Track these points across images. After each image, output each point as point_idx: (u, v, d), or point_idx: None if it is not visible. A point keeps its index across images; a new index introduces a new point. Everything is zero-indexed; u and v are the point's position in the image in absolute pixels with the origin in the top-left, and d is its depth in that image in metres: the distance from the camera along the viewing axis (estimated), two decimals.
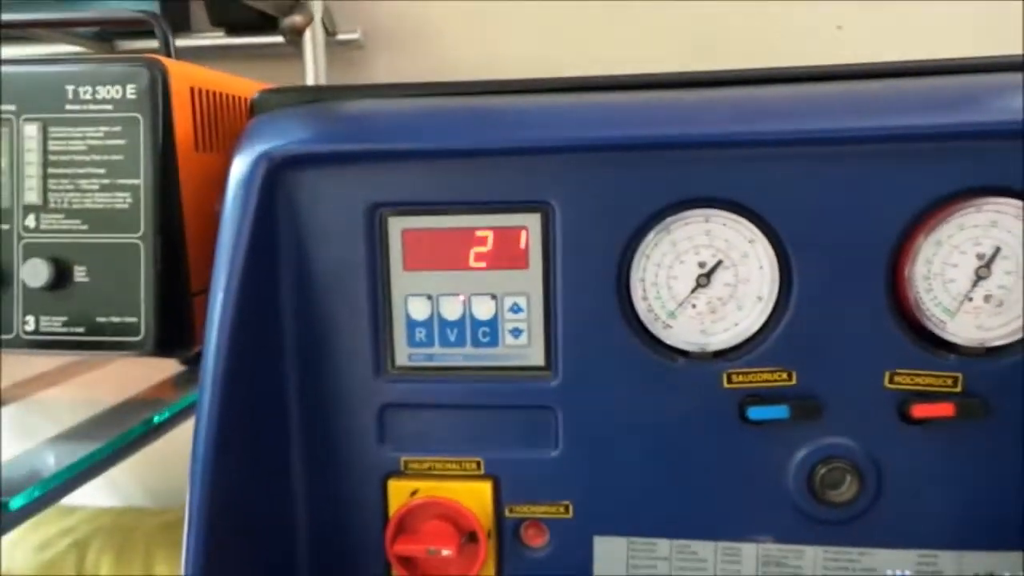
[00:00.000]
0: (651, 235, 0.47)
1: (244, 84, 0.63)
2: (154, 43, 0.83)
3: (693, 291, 0.47)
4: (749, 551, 0.50)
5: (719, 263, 0.47)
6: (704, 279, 0.47)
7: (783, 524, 0.49)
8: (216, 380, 0.45)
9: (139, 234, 0.50)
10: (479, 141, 0.47)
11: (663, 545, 0.50)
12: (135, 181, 0.50)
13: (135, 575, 0.89)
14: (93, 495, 1.08)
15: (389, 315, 0.50)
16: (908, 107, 0.44)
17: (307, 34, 0.81)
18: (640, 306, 0.48)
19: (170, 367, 0.63)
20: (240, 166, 0.48)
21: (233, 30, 0.85)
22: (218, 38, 0.85)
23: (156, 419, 0.48)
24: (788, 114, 0.45)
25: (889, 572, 0.48)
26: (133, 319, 0.50)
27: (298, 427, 0.52)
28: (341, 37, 0.84)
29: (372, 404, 0.51)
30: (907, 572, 0.48)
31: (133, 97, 0.49)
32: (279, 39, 0.83)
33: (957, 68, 0.45)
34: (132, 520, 0.96)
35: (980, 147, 0.43)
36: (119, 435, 0.45)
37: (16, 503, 0.38)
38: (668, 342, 0.48)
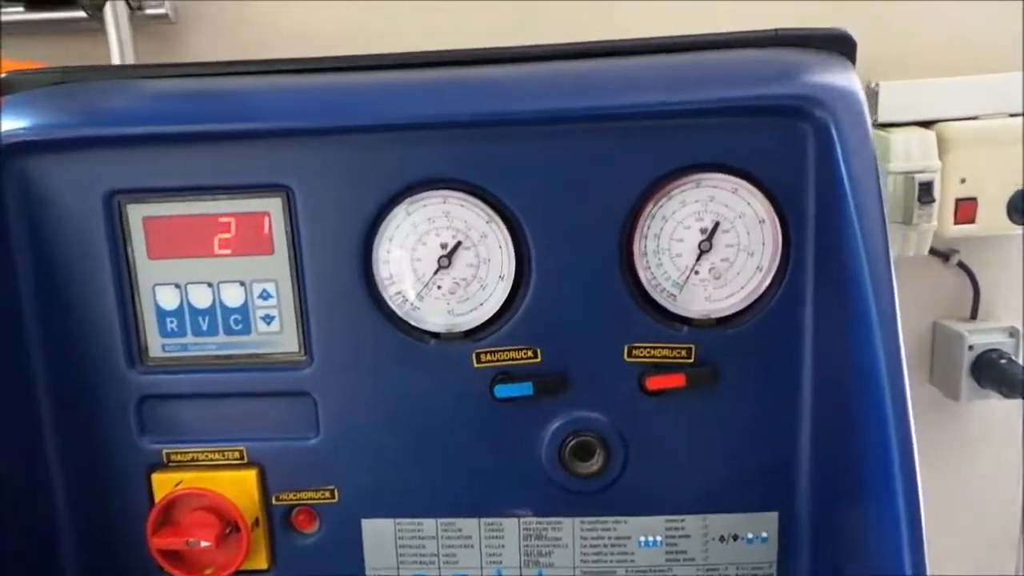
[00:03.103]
0: (391, 217, 0.46)
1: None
2: None
3: (436, 272, 0.47)
4: (511, 525, 0.51)
5: (459, 244, 0.47)
6: (445, 260, 0.47)
7: (540, 498, 0.50)
8: None
9: None
10: (212, 125, 0.46)
11: (429, 524, 0.51)
12: None
13: None
14: None
15: (138, 305, 0.49)
16: (629, 87, 0.44)
17: (108, 7, 0.77)
18: (387, 290, 0.47)
19: None
20: None
21: (33, 4, 0.80)
22: (16, 13, 0.80)
23: None
24: (515, 94, 0.45)
25: (642, 538, 0.50)
26: None
27: (52, 423, 0.50)
28: (148, 11, 0.80)
29: (129, 396, 0.50)
30: (658, 538, 0.50)
31: None
32: (82, 14, 0.78)
33: (684, 45, 0.46)
34: None
35: (696, 124, 0.44)
36: None
37: None
38: (417, 324, 0.48)
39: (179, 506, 0.50)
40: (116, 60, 0.78)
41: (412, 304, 0.48)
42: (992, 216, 0.76)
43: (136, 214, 0.48)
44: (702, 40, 0.47)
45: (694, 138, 0.44)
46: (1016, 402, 0.82)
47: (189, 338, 0.49)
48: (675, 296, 0.46)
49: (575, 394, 0.48)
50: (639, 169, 0.45)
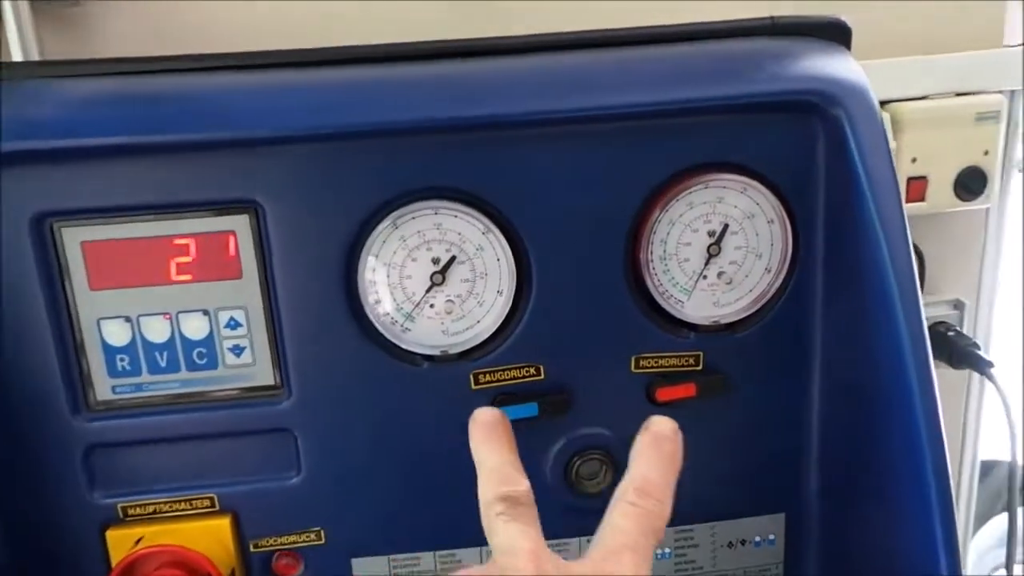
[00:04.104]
0: (376, 232, 0.42)
1: None
2: None
3: (429, 290, 0.43)
4: None
5: (453, 258, 0.43)
6: (439, 276, 0.43)
7: (547, 519, 0.47)
8: None
9: None
10: (163, 135, 0.40)
11: (427, 558, 0.47)
12: None
13: None
14: None
15: (80, 343, 0.43)
16: (632, 83, 0.41)
17: None
18: (373, 310, 0.43)
19: None
20: None
21: None
22: None
23: None
24: (509, 93, 0.41)
25: None
26: None
27: None
28: None
29: (75, 446, 0.44)
30: (667, 550, 0.48)
31: None
32: None
33: (678, 35, 0.43)
34: None
35: (704, 122, 0.41)
36: None
37: None
38: (408, 347, 0.44)
39: (142, 566, 0.44)
40: (14, 43, 0.69)
41: (402, 326, 0.43)
42: (940, 193, 0.78)
43: (73, 239, 0.41)
44: (698, 29, 0.44)
45: (702, 137, 0.42)
46: (961, 373, 0.86)
47: (145, 377, 0.43)
48: (683, 302, 0.44)
49: (581, 410, 0.45)
50: (645, 171, 0.42)
